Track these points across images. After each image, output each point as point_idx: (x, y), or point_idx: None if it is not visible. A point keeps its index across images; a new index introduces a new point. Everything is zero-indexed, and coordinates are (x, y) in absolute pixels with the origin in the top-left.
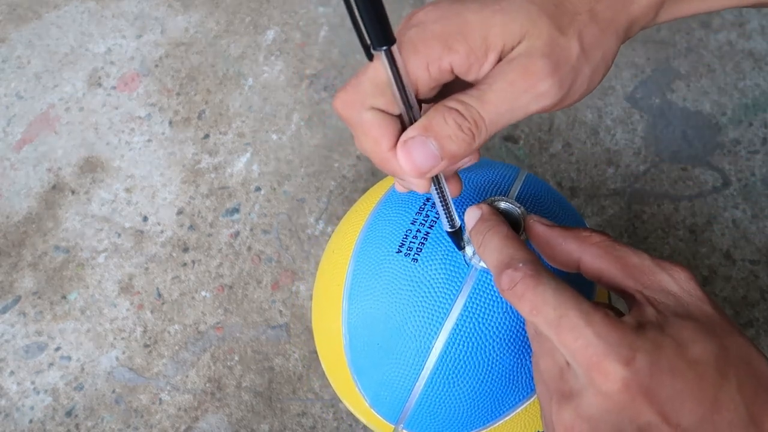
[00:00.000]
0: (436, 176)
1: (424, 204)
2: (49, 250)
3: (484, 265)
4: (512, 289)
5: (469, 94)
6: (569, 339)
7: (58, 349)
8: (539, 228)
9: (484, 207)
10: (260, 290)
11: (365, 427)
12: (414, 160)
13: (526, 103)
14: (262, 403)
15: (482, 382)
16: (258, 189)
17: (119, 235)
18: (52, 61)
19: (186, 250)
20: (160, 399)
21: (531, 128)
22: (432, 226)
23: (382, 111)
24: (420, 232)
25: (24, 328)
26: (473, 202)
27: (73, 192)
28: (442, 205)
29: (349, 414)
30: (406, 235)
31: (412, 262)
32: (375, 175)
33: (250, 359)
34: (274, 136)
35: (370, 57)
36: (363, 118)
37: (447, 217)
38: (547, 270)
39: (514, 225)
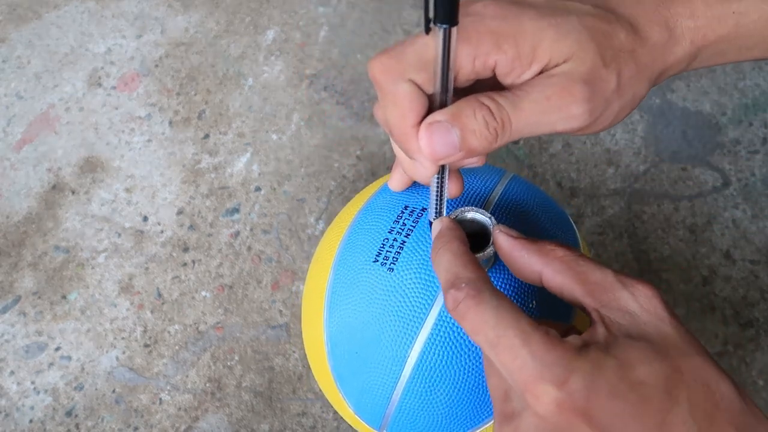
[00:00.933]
0: (442, 166)
1: (402, 212)
2: (49, 250)
3: None
4: (455, 310)
5: (504, 96)
6: (507, 359)
7: (58, 349)
8: (503, 240)
9: (445, 221)
10: (260, 290)
11: None
12: (434, 143)
13: (555, 121)
14: (262, 403)
15: (459, 390)
16: (258, 189)
17: (119, 235)
18: (52, 61)
19: (186, 250)
20: (160, 399)
21: None
22: (408, 235)
23: (417, 86)
24: (396, 241)
25: (24, 328)
26: (449, 208)
27: (73, 192)
28: (436, 196)
29: None
30: (383, 245)
31: (388, 272)
32: (375, 174)
33: (250, 359)
34: (274, 136)
35: (428, 30)
36: (398, 87)
37: (436, 209)
38: (492, 289)
39: (485, 236)
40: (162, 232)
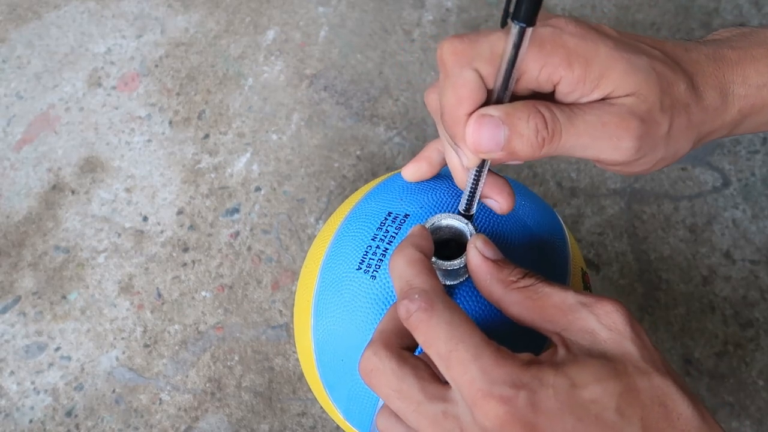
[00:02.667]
0: (482, 163)
1: (385, 219)
2: (49, 250)
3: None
4: (407, 320)
5: (561, 109)
6: (457, 374)
7: (58, 349)
8: (473, 256)
9: (414, 227)
10: (260, 290)
11: None
12: (480, 136)
13: (602, 148)
14: (262, 403)
15: None
16: (258, 189)
17: (119, 235)
18: (52, 61)
19: (186, 250)
20: (160, 399)
21: None
22: (391, 242)
23: (480, 77)
24: (379, 248)
25: (24, 328)
26: (432, 214)
27: (73, 192)
28: (469, 192)
29: None
30: (366, 252)
31: (371, 279)
32: (375, 174)
33: (250, 359)
34: (274, 136)
35: (503, 24)
36: (463, 73)
37: (467, 203)
38: (445, 301)
39: (464, 244)
40: (162, 232)
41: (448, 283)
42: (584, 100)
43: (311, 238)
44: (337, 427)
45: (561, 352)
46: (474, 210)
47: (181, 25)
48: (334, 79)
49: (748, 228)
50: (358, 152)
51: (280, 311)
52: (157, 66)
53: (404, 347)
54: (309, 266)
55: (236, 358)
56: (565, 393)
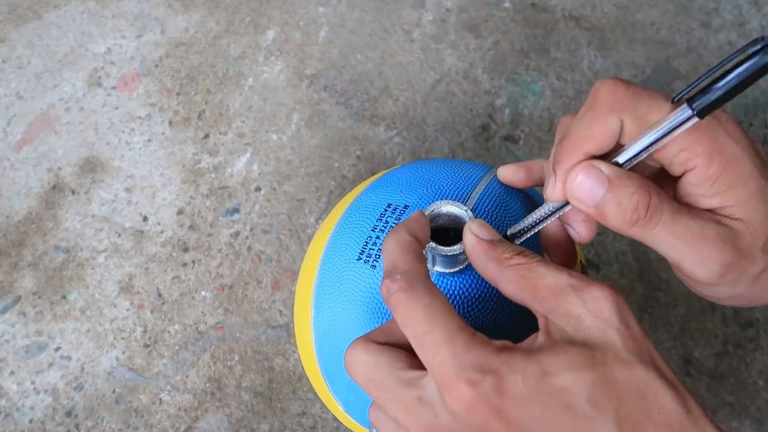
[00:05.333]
0: (564, 205)
1: (385, 210)
2: (49, 250)
3: (439, 270)
4: (387, 300)
5: (670, 202)
6: (429, 356)
7: (58, 349)
8: (468, 239)
9: (412, 213)
10: (260, 290)
11: None
12: (580, 184)
13: (687, 258)
14: (262, 403)
15: None
16: (258, 189)
17: (119, 235)
18: (52, 61)
19: (186, 250)
20: (160, 399)
21: (531, 128)
22: None
23: (620, 129)
24: (379, 238)
25: (24, 328)
26: (430, 203)
27: (73, 192)
28: (533, 221)
29: None
30: (366, 242)
31: (371, 269)
32: (375, 174)
33: (250, 359)
34: (274, 136)
35: (674, 100)
36: (608, 118)
37: (521, 230)
38: (425, 284)
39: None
40: (162, 232)
41: (448, 270)
42: (703, 201)
43: (311, 238)
44: (338, 426)
45: (540, 337)
46: (521, 241)
47: (181, 25)
48: (334, 79)
49: None
50: (358, 152)
51: (280, 311)
52: (157, 66)
53: (387, 341)
54: (310, 258)
55: (236, 358)
56: (534, 380)
